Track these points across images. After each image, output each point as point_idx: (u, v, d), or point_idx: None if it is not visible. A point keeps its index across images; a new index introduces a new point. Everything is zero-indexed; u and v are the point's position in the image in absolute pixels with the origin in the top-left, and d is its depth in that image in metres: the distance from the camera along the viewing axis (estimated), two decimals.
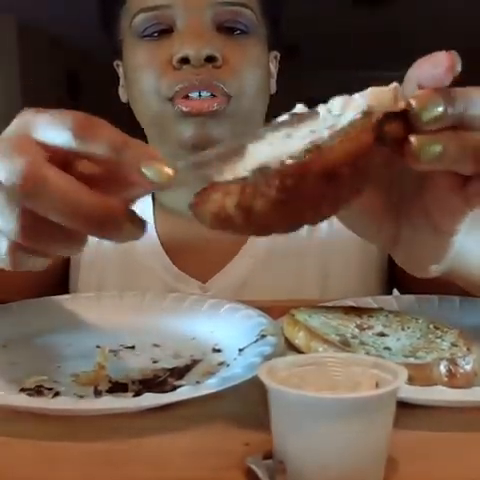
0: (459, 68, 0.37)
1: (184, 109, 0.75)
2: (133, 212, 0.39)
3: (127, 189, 0.39)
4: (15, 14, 4.45)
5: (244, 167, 0.38)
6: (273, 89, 0.87)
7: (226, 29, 0.78)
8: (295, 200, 0.35)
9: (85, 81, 5.51)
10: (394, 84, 0.38)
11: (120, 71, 0.88)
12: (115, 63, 0.89)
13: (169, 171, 0.37)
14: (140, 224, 0.39)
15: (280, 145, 0.39)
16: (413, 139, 0.36)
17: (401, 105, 0.37)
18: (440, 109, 0.36)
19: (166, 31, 0.78)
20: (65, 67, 5.30)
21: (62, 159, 0.38)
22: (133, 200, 0.41)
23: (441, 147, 0.36)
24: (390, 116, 0.36)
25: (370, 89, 0.38)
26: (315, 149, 0.35)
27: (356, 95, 0.39)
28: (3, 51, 4.62)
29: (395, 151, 0.37)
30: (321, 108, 0.40)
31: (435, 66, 0.37)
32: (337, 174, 0.35)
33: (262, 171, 0.35)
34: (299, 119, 0.40)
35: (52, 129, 0.38)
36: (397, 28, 4.76)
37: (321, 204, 0.36)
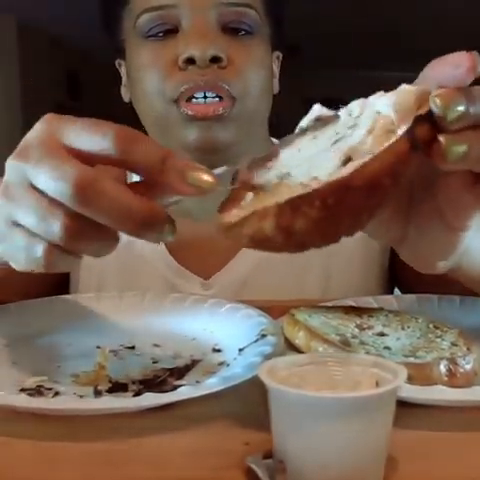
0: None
1: (189, 113, 0.75)
2: (169, 215, 0.41)
3: (163, 194, 0.42)
4: (15, 14, 4.45)
5: (276, 173, 0.39)
6: (276, 89, 0.87)
7: (231, 30, 0.78)
8: (336, 215, 0.36)
9: (85, 81, 5.51)
10: (423, 87, 0.38)
11: (122, 70, 0.87)
12: (117, 62, 0.89)
13: (211, 178, 0.39)
14: (175, 226, 0.42)
15: (308, 147, 0.40)
16: (442, 139, 0.37)
17: (424, 107, 0.37)
18: (462, 108, 0.36)
19: (171, 31, 0.77)
20: (65, 67, 5.31)
21: (92, 165, 0.40)
22: (168, 204, 0.43)
23: (466, 147, 0.37)
24: (419, 119, 0.37)
25: (402, 86, 0.39)
26: (352, 163, 0.36)
27: (371, 97, 0.40)
28: (3, 51, 4.63)
29: (425, 153, 0.37)
30: (342, 112, 0.41)
31: (456, 66, 0.37)
32: (379, 185, 0.35)
33: (301, 193, 0.36)
34: (323, 124, 0.42)
35: (90, 138, 0.39)
36: (397, 28, 4.76)
37: (361, 215, 0.37)
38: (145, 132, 0.85)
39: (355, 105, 0.41)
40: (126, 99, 0.87)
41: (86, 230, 0.40)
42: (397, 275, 0.87)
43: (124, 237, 0.94)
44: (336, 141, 0.39)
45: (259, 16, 0.80)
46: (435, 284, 0.65)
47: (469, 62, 0.37)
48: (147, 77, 0.78)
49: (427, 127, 0.37)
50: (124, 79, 0.87)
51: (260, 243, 0.37)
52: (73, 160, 0.39)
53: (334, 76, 6.37)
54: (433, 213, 0.44)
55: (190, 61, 0.74)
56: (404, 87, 0.38)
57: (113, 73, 0.90)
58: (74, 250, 0.41)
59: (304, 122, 0.43)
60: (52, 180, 0.38)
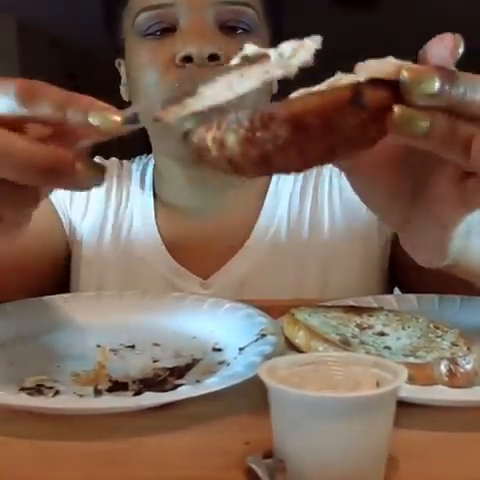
0: (460, 51, 0.37)
1: None
2: (90, 159, 0.40)
3: (77, 141, 0.41)
4: (15, 14, 4.45)
5: (199, 105, 0.40)
6: (275, 89, 0.87)
7: (228, 28, 0.78)
8: (262, 142, 0.36)
9: (85, 81, 5.51)
10: (407, 62, 0.37)
11: (122, 70, 0.88)
12: (117, 62, 0.89)
13: (117, 118, 0.38)
14: (99, 169, 0.40)
15: (237, 84, 0.41)
16: (396, 109, 0.35)
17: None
18: (436, 85, 0.35)
19: (168, 30, 0.78)
20: (65, 67, 5.30)
21: (9, 126, 0.39)
22: (86, 148, 0.42)
23: (428, 124, 0.36)
24: (377, 83, 0.35)
25: (388, 57, 0.37)
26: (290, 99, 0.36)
27: (307, 39, 0.39)
28: (3, 51, 4.62)
29: (376, 118, 0.36)
30: (272, 52, 0.41)
31: (445, 46, 0.37)
32: (304, 124, 0.35)
33: (235, 111, 0.37)
34: (250, 62, 0.42)
35: None
36: (397, 28, 4.76)
37: (290, 153, 0.36)
38: (145, 131, 0.85)
39: (287, 45, 0.40)
40: (126, 98, 0.87)
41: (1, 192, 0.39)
42: (397, 276, 0.87)
43: (123, 238, 0.95)
44: (265, 80, 0.39)
45: (257, 15, 0.80)
46: (436, 285, 0.65)
47: (451, 43, 0.37)
48: (145, 75, 0.78)
49: (384, 93, 0.35)
50: (123, 78, 0.88)
51: (202, 154, 0.38)
52: None
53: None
54: (425, 206, 0.43)
55: (187, 59, 0.74)
56: (389, 58, 0.37)
57: (113, 73, 0.90)
58: None
59: (234, 61, 0.43)
60: None
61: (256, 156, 0.36)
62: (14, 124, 0.39)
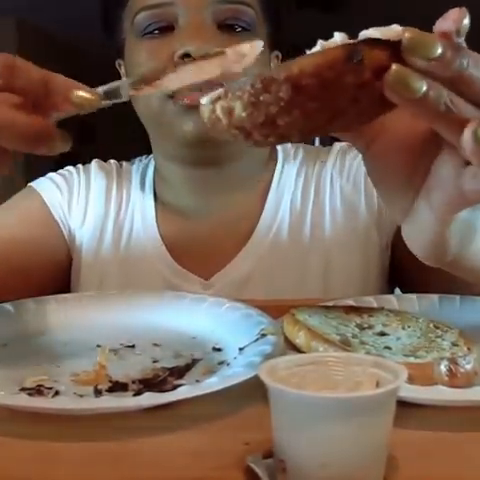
0: (466, 22, 0.36)
1: (185, 102, 0.75)
2: (59, 129, 0.45)
3: (50, 112, 0.46)
4: (15, 14, 4.45)
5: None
6: None
7: (227, 27, 0.78)
8: (266, 105, 0.37)
9: (85, 81, 5.50)
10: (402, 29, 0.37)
11: (122, 71, 0.88)
12: (117, 62, 0.89)
13: (91, 95, 0.45)
14: (67, 138, 0.45)
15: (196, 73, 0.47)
16: (394, 66, 0.35)
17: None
18: (438, 49, 0.35)
19: (167, 29, 0.78)
20: (65, 67, 5.30)
21: None
22: (57, 120, 0.47)
23: (424, 86, 0.35)
24: (376, 43, 0.36)
25: (393, 25, 0.37)
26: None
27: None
28: (3, 51, 4.62)
29: (374, 77, 0.36)
30: (228, 50, 0.47)
31: (445, 19, 0.37)
32: (302, 85, 0.36)
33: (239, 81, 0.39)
34: (210, 56, 0.48)
35: None
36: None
37: (293, 114, 0.37)
38: (145, 131, 0.86)
39: (244, 46, 0.46)
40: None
41: None
42: (398, 277, 0.87)
43: (124, 240, 0.94)
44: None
45: (256, 14, 0.80)
46: (436, 284, 0.65)
47: (455, 15, 0.37)
48: None
49: (382, 52, 0.36)
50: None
51: (214, 124, 0.40)
52: None
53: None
54: (426, 197, 0.43)
55: (186, 57, 0.74)
56: (394, 26, 0.37)
57: (113, 73, 0.90)
58: None
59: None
60: None
61: (262, 119, 0.38)
62: None
